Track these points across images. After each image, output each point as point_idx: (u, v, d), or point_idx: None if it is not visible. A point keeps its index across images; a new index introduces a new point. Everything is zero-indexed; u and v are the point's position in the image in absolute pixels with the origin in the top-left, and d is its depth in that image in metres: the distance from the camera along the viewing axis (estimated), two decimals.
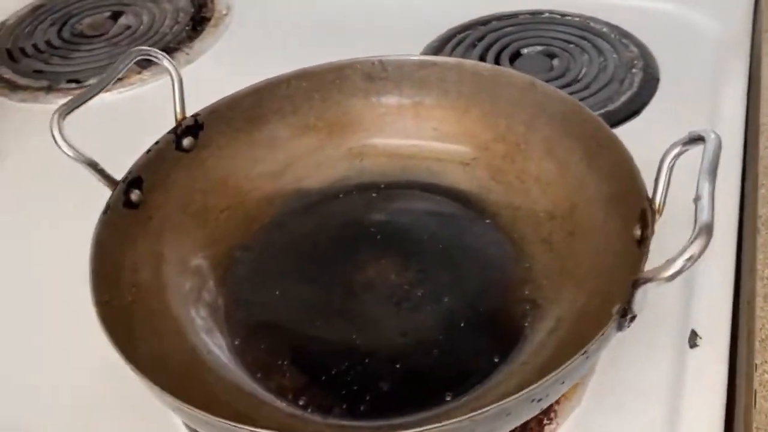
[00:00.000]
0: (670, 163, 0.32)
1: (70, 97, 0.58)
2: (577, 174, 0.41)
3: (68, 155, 0.36)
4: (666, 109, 0.53)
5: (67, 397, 0.39)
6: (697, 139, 0.31)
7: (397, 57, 0.47)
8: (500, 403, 0.27)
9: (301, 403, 0.36)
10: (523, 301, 0.39)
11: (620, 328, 0.30)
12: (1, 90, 0.62)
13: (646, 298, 0.28)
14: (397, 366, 0.37)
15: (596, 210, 0.39)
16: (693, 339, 0.37)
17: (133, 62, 0.41)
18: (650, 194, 0.34)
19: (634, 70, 0.56)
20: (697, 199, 0.27)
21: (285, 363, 0.38)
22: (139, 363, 0.31)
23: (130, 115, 0.58)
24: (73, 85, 0.62)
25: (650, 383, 0.36)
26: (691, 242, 0.26)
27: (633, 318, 0.30)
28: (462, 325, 0.38)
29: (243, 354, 0.38)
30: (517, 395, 0.27)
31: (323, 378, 0.37)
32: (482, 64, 0.45)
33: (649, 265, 0.31)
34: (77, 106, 0.37)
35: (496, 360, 0.37)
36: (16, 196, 0.52)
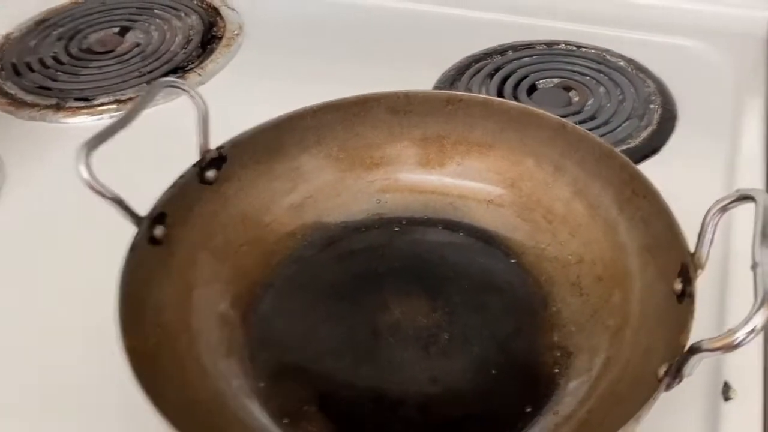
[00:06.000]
0: (714, 219, 0.32)
1: (82, 118, 0.59)
2: (608, 218, 0.41)
3: (95, 191, 0.35)
4: (685, 148, 0.53)
5: None
6: (745, 198, 0.31)
7: (423, 91, 0.46)
8: None
9: None
10: (553, 348, 0.39)
11: (667, 389, 0.30)
12: (6, 106, 0.60)
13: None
14: (428, 414, 0.36)
15: (629, 257, 0.39)
16: (726, 391, 0.37)
17: (160, 93, 0.40)
18: (691, 248, 0.34)
19: (652, 106, 0.56)
20: (755, 266, 0.27)
21: (312, 409, 0.37)
22: (167, 411, 0.30)
23: (139, 135, 0.56)
24: (82, 103, 0.60)
25: None
26: (755, 312, 0.26)
27: (681, 380, 0.29)
28: (493, 371, 0.38)
29: (268, 398, 0.37)
30: None
31: (352, 427, 0.36)
32: (510, 102, 0.45)
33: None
34: (104, 140, 0.36)
35: (528, 410, 0.36)
36: (23, 219, 0.51)
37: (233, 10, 0.70)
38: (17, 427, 0.39)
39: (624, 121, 0.54)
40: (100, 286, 0.40)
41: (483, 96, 0.45)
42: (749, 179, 0.48)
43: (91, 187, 0.35)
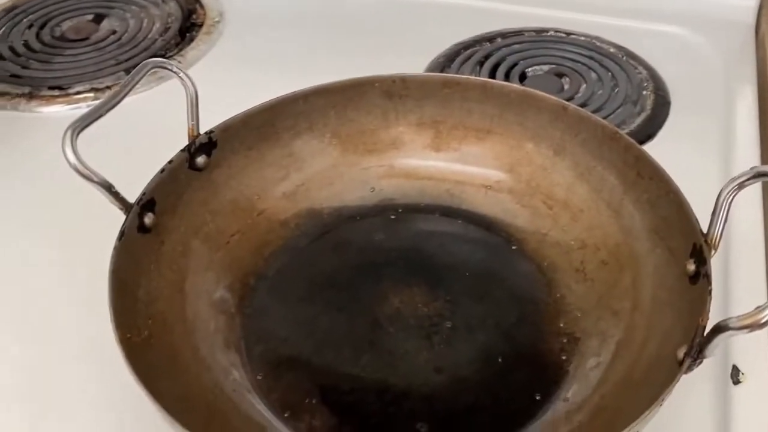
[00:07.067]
0: (728, 197, 0.31)
1: (57, 107, 0.56)
2: (612, 202, 0.40)
3: (82, 176, 0.33)
4: (680, 132, 0.52)
5: (79, 425, 0.36)
6: (762, 175, 0.30)
7: (420, 75, 0.45)
8: None
9: None
10: (559, 334, 0.38)
11: (688, 370, 0.29)
12: None
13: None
14: (435, 405, 0.35)
15: (635, 241, 0.38)
16: (736, 375, 0.36)
17: (147, 74, 0.38)
18: (703, 227, 0.33)
19: (645, 92, 0.55)
20: None
21: (313, 402, 0.35)
22: (166, 403, 0.29)
23: (123, 123, 0.54)
24: (57, 92, 0.58)
25: (695, 422, 0.35)
26: None
27: (702, 361, 0.28)
28: (499, 360, 0.37)
29: (268, 391, 0.35)
30: None
31: (356, 419, 0.35)
32: (509, 84, 0.44)
33: None
34: (91, 122, 0.34)
35: (537, 397, 0.35)
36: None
37: None
38: (11, 419, 0.37)
39: (618, 108, 0.54)
40: (84, 277, 0.39)
41: (481, 79, 0.44)
42: (746, 162, 0.48)
43: (78, 171, 0.33)
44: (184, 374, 0.33)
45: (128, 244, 0.35)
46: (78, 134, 0.33)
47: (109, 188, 0.34)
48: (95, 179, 0.33)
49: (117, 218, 0.36)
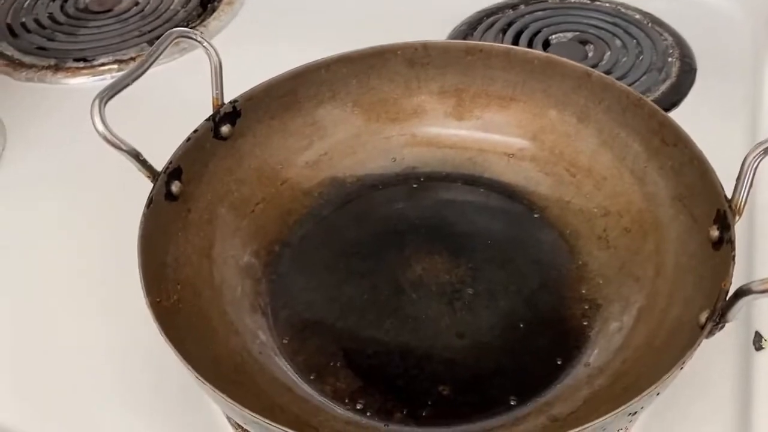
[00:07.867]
0: (753, 163, 0.31)
1: (83, 79, 0.57)
2: (635, 169, 0.40)
3: (111, 144, 0.34)
4: (706, 100, 0.51)
5: (110, 388, 0.38)
6: None
7: (442, 42, 0.45)
8: (602, 419, 0.26)
9: (358, 407, 0.34)
10: (581, 301, 0.38)
11: (709, 335, 0.29)
12: (3, 67, 0.58)
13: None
14: (456, 369, 0.36)
15: (658, 208, 0.38)
16: (758, 341, 0.36)
17: (171, 44, 0.38)
18: (728, 194, 0.33)
19: (670, 59, 0.55)
20: None
21: (338, 364, 0.36)
22: (194, 364, 0.30)
23: (147, 93, 0.55)
24: (82, 63, 0.58)
25: (716, 388, 0.35)
26: None
27: (723, 326, 0.29)
28: (521, 326, 0.37)
29: (294, 354, 0.36)
30: (617, 411, 0.26)
31: (379, 381, 0.35)
32: (533, 51, 0.43)
33: None
34: (118, 91, 0.34)
35: (558, 362, 0.35)
36: (28, 181, 0.49)
37: None
38: (41, 390, 0.38)
39: (642, 75, 0.53)
40: (113, 244, 0.40)
41: (505, 46, 0.44)
42: None
43: (107, 140, 0.33)
44: (213, 337, 0.34)
45: (156, 211, 0.35)
46: (106, 103, 0.34)
47: (137, 156, 0.35)
48: (123, 147, 0.34)
49: (144, 187, 0.37)
